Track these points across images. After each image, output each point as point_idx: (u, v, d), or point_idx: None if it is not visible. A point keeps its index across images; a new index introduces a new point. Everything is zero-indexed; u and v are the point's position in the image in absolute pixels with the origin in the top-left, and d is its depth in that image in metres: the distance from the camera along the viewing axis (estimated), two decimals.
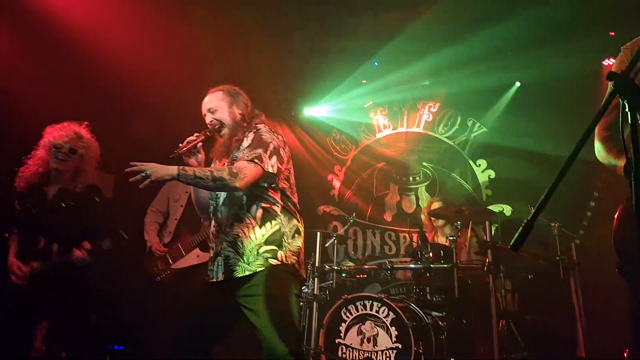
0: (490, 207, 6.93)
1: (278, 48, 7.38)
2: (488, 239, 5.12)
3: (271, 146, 3.27)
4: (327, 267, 5.83)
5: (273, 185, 3.30)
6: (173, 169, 3.00)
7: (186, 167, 3.07)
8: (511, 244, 1.82)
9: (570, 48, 6.82)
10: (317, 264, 5.78)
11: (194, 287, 5.72)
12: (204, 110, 3.49)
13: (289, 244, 3.26)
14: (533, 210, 5.09)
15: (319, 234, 5.94)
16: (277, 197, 3.32)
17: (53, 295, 4.24)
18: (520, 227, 1.83)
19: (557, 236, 5.50)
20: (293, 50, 7.50)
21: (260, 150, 3.20)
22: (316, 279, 5.69)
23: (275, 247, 3.19)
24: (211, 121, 3.42)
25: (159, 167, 2.99)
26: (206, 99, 3.51)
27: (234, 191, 3.21)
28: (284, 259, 3.19)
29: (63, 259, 4.18)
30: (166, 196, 6.29)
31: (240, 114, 3.46)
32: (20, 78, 6.11)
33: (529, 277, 5.68)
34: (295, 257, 3.27)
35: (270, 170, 3.21)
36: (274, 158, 3.26)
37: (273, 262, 3.16)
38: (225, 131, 3.41)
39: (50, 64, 6.43)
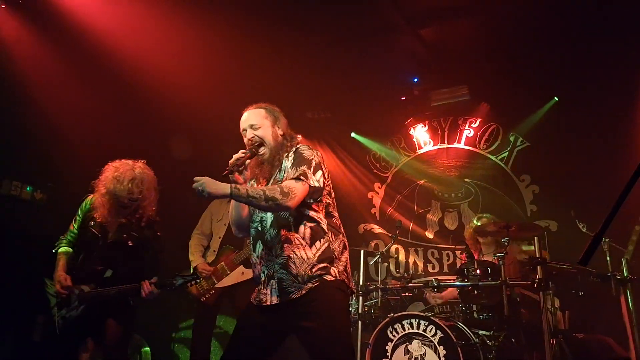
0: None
1: (314, 66, 7.40)
2: (538, 255, 5.00)
3: (313, 162, 3.29)
4: (372, 285, 5.77)
5: (318, 200, 3.30)
6: (226, 187, 3.01)
7: (238, 186, 3.07)
8: (579, 259, 1.76)
9: (610, 58, 6.73)
10: (361, 282, 5.73)
11: (239, 304, 5.75)
12: (243, 125, 3.46)
13: (338, 259, 3.26)
14: (579, 224, 4.94)
15: (362, 252, 5.89)
16: (322, 214, 3.32)
17: (99, 316, 4.31)
18: (589, 242, 1.76)
19: (608, 251, 5.34)
20: (330, 68, 7.51)
21: (304, 167, 3.22)
22: (360, 297, 5.63)
23: (327, 264, 3.18)
24: (252, 137, 3.39)
25: (212, 183, 3.01)
26: (246, 115, 3.49)
27: (285, 211, 3.19)
28: (337, 275, 3.19)
29: (119, 290, 4.26)
30: (209, 217, 6.33)
31: (281, 135, 3.46)
32: (68, 99, 6.26)
33: (580, 293, 5.52)
34: (345, 273, 3.27)
35: (316, 185, 3.22)
36: (319, 173, 3.28)
37: (327, 278, 3.16)
38: (264, 150, 3.39)
39: (97, 87, 6.58)
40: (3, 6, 5.43)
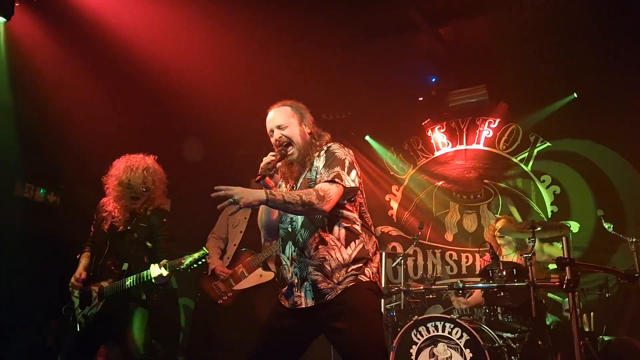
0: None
1: (330, 67, 7.34)
2: (566, 255, 4.88)
3: (347, 161, 3.20)
4: (394, 288, 5.69)
5: (352, 200, 3.23)
6: (261, 194, 2.92)
7: (274, 191, 2.98)
8: None
9: (632, 57, 6.65)
10: (382, 285, 5.64)
11: (256, 307, 5.69)
12: (270, 126, 3.36)
13: (372, 260, 3.19)
14: (605, 225, 4.86)
15: (383, 254, 5.83)
16: (356, 214, 3.25)
17: (118, 316, 4.27)
18: None
19: (635, 252, 5.24)
20: (345, 69, 7.45)
21: (337, 169, 3.13)
22: (382, 300, 5.54)
23: (362, 265, 3.11)
24: (280, 137, 3.30)
25: (246, 192, 2.90)
26: (272, 115, 3.38)
27: (320, 214, 3.11)
28: (371, 276, 3.13)
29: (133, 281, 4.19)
30: (225, 222, 6.29)
31: (309, 133, 3.36)
32: (81, 101, 6.21)
33: (607, 295, 5.42)
34: (378, 274, 3.21)
35: (351, 185, 3.13)
36: (353, 172, 3.19)
37: (362, 278, 3.09)
38: (293, 150, 3.30)
39: (110, 88, 6.54)
40: (17, 4, 5.36)
